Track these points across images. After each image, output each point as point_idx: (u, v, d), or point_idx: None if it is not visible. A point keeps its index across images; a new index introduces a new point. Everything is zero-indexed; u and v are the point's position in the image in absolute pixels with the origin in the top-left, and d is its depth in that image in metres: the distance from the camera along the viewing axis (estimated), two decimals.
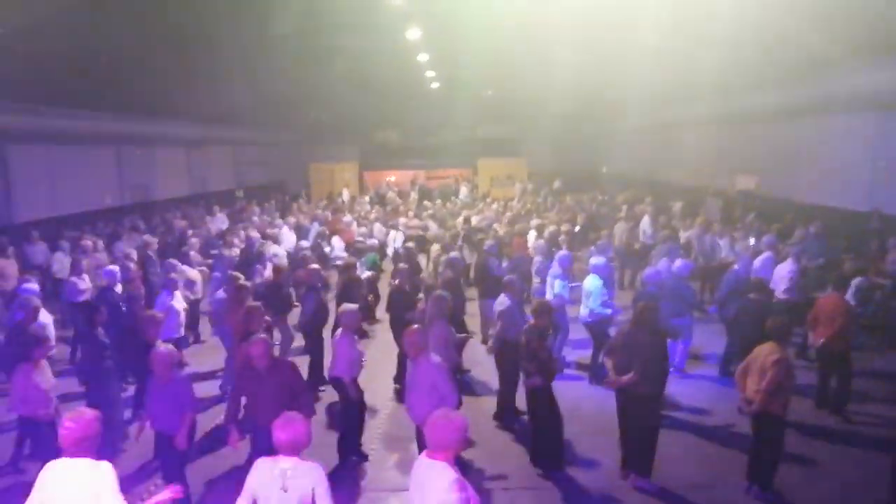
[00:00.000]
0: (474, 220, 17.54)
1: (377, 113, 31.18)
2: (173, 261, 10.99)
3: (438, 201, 23.54)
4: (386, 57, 20.16)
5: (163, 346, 6.24)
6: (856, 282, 10.06)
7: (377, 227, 17.58)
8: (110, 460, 4.27)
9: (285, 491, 4.02)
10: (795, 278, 10.35)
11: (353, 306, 7.45)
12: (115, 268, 10.43)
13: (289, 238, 15.65)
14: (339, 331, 7.22)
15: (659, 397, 6.62)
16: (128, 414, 8.17)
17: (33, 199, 16.45)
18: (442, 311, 7.54)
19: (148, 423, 6.00)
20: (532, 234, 14.62)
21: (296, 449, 4.12)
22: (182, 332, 9.42)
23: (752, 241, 13.44)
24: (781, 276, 10.39)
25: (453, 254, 11.61)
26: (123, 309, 9.24)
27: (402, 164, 33.75)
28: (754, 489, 6.42)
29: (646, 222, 16.05)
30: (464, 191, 27.88)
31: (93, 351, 7.40)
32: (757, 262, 11.18)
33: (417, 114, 32.28)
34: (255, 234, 14.97)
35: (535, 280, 11.00)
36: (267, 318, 8.04)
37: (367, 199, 26.04)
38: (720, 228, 14.65)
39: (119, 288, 10.04)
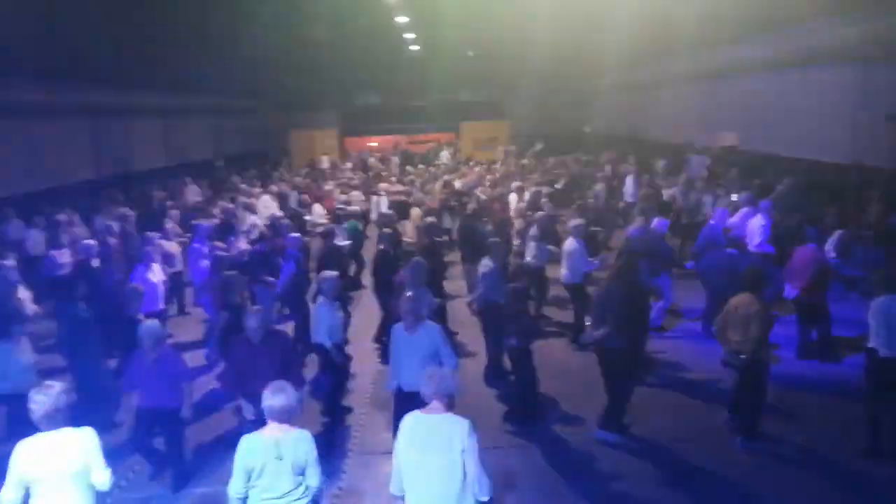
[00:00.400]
0: (457, 184, 17.43)
1: (357, 78, 30.79)
2: (150, 234, 10.86)
3: (421, 166, 23.37)
4: (364, 20, 19.85)
5: (148, 321, 6.17)
6: (837, 234, 10.14)
7: (355, 194, 17.41)
8: (103, 434, 4.29)
9: (280, 459, 4.03)
10: (767, 232, 10.45)
11: (333, 273, 7.43)
12: (92, 242, 10.28)
13: (271, 207, 15.51)
14: (320, 298, 7.19)
15: (634, 353, 6.66)
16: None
17: (7, 175, 16.13)
18: (419, 279, 7.50)
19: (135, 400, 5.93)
20: (513, 197, 14.57)
21: (287, 417, 4.12)
22: (162, 304, 9.33)
23: (734, 197, 13.49)
24: (753, 230, 10.50)
25: (429, 219, 11.53)
26: (101, 282, 9.15)
27: (383, 129, 33.38)
28: (739, 439, 6.52)
29: (629, 181, 16.06)
30: (446, 154, 27.68)
31: (73, 325, 7.33)
32: (734, 218, 11.28)
33: (398, 78, 31.87)
34: (231, 204, 14.86)
35: (516, 242, 11.00)
36: (246, 287, 8.01)
37: (348, 165, 25.81)
38: (703, 185, 14.68)
39: (95, 262, 9.91)
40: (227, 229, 11.94)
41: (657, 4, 14.20)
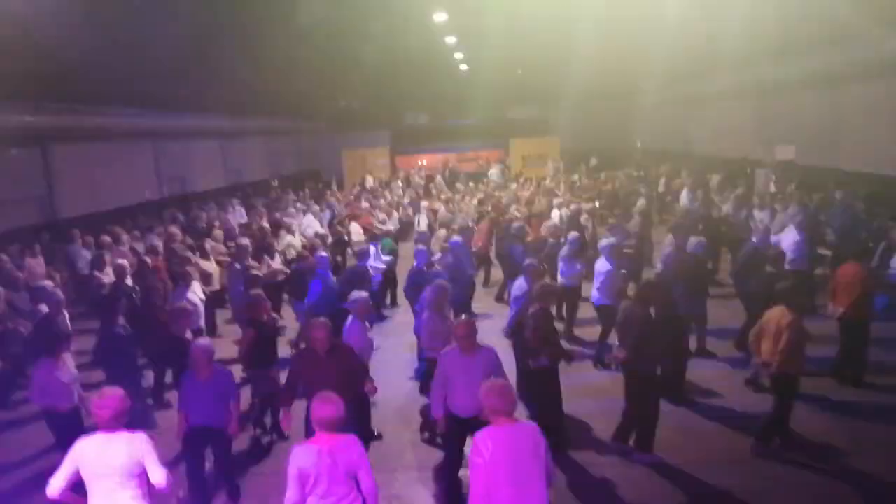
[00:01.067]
0: (505, 200, 17.39)
1: (407, 97, 31.10)
2: (188, 253, 11.11)
3: (470, 184, 23.44)
4: (413, 41, 20.07)
5: (200, 339, 6.26)
6: None
7: (392, 213, 17.50)
8: None
9: (336, 465, 4.14)
10: (801, 249, 10.14)
11: (363, 293, 7.44)
12: (124, 261, 10.48)
13: (314, 225, 15.71)
14: (350, 318, 7.18)
15: (653, 376, 6.55)
16: (149, 402, 8.43)
17: (75, 196, 16.85)
18: (437, 301, 7.37)
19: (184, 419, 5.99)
20: (556, 214, 14.38)
21: (335, 426, 4.23)
22: (200, 323, 9.48)
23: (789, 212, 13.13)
24: (786, 247, 10.17)
25: (454, 238, 11.36)
26: (137, 301, 9.41)
27: (433, 147, 33.67)
28: (754, 443, 6.56)
29: (684, 196, 15.80)
30: (495, 171, 27.67)
31: (110, 344, 7.55)
32: (782, 235, 10.99)
33: (447, 96, 32.10)
34: (266, 223, 15.14)
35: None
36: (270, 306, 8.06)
37: (399, 183, 26.09)
38: (760, 201, 14.31)
39: (129, 280, 10.14)
40: (263, 249, 12.06)
41: (713, 18, 13.96)
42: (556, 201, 15.69)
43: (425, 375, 8.16)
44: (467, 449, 5.65)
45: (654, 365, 6.53)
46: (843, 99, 15.65)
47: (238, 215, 18.88)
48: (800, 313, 6.49)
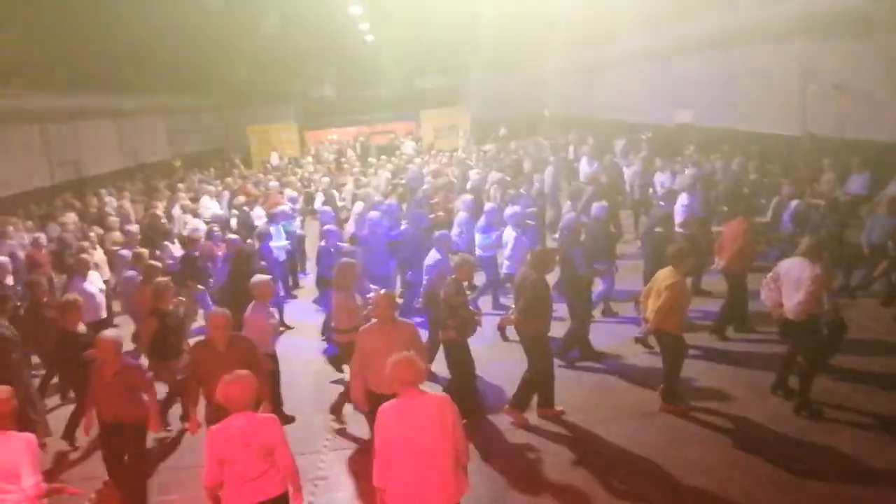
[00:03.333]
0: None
1: (312, 69, 30.42)
2: (84, 243, 10.51)
3: (383, 157, 23.21)
4: (318, 11, 19.60)
5: (107, 332, 5.80)
6: (793, 204, 10.33)
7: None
8: None
9: (248, 446, 4.14)
10: (687, 210, 10.39)
11: (265, 277, 7.22)
12: (4, 258, 9.81)
13: (211, 208, 15.05)
14: (253, 303, 6.95)
15: (542, 337, 6.77)
16: (56, 401, 8.09)
17: None
18: (343, 279, 7.20)
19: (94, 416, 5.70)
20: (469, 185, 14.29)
21: (245, 404, 4.23)
22: (102, 314, 8.99)
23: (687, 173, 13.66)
24: (677, 209, 10.38)
25: (372, 213, 10.83)
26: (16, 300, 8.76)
27: (343, 121, 33.09)
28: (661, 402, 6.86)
29: (584, 162, 16.13)
30: (409, 145, 27.51)
31: None
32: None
33: (354, 68, 31.62)
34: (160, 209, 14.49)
35: (454, 231, 10.60)
36: (177, 294, 7.75)
37: (309, 159, 25.55)
38: (662, 163, 14.80)
39: (9, 278, 9.53)
40: (158, 235, 11.52)
41: None
42: (471, 172, 15.68)
43: (336, 358, 8.08)
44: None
45: (542, 326, 6.71)
46: (737, 62, 16.31)
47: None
48: (683, 275, 6.75)
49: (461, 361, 7.01)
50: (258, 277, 7.17)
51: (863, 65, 12.38)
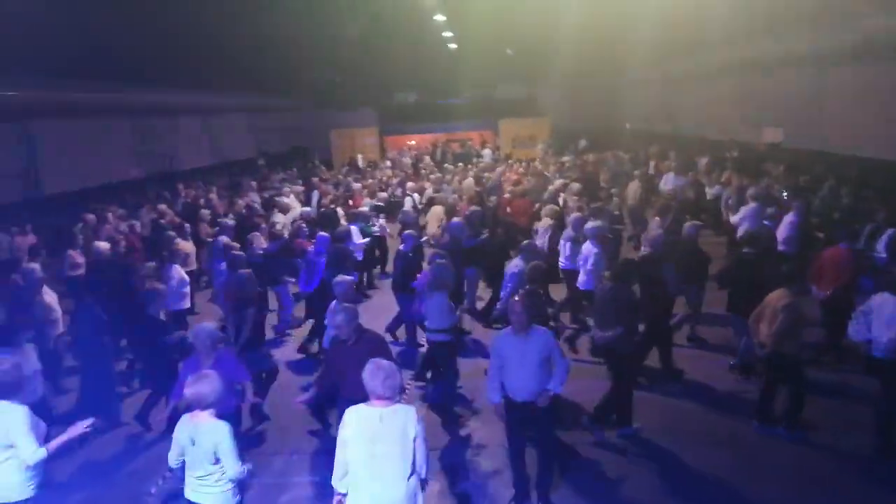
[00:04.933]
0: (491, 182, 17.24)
1: (396, 76, 30.89)
2: (170, 233, 10.94)
3: (460, 164, 23.32)
4: (403, 18, 19.91)
5: (204, 324, 6.03)
6: (888, 233, 9.81)
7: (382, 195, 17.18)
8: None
9: (193, 444, 4.35)
10: (795, 230, 10.20)
11: (346, 277, 7.37)
12: (105, 245, 10.27)
13: (295, 206, 15.41)
14: (334, 302, 7.04)
15: (629, 355, 6.71)
16: (135, 385, 8.39)
17: (59, 173, 16.62)
18: (440, 281, 7.29)
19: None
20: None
21: (201, 405, 4.37)
22: (187, 303, 9.39)
23: (784, 194, 13.20)
24: (783, 228, 10.25)
25: (455, 219, 11.02)
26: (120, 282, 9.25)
27: (422, 127, 33.44)
28: (781, 430, 6.57)
29: (669, 178, 15.77)
30: (487, 153, 27.55)
31: (84, 326, 7.41)
32: (741, 213, 11.22)
33: (436, 76, 31.93)
34: (254, 201, 14.86)
35: (539, 242, 10.59)
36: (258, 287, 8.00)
37: (388, 164, 25.92)
38: (746, 182, 14.31)
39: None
40: (248, 228, 11.85)
41: None
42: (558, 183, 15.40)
43: (425, 362, 8.13)
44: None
45: (629, 344, 6.60)
46: (830, 81, 15.63)
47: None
48: (796, 295, 6.54)
49: None
50: (339, 277, 7.34)
51: None
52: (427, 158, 26.77)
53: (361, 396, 4.34)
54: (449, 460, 6.57)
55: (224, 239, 10.48)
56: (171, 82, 19.62)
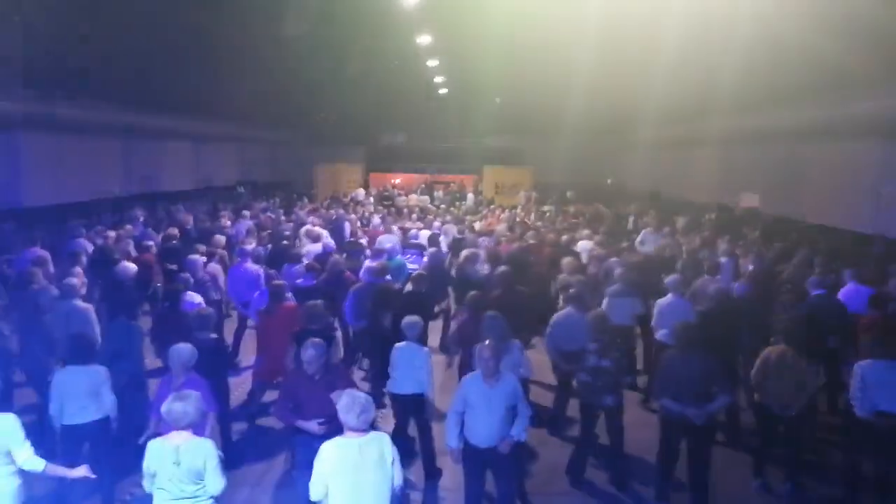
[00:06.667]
0: (477, 227, 17.44)
1: (385, 116, 31.28)
2: (194, 257, 10.65)
3: (442, 206, 23.55)
4: (395, 61, 20.26)
5: (185, 345, 5.95)
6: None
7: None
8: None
9: (178, 465, 4.32)
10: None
11: (417, 319, 7.14)
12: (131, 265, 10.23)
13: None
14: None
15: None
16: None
17: (41, 186, 16.52)
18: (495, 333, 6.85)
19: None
20: (584, 245, 14.01)
21: (188, 423, 4.41)
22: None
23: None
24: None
25: (502, 267, 10.14)
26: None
27: (407, 167, 33.78)
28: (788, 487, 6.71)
29: (647, 236, 15.98)
30: (470, 197, 27.90)
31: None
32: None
33: (425, 119, 32.39)
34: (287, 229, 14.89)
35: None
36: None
37: (371, 199, 26.10)
38: (725, 247, 14.56)
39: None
40: (283, 256, 11.68)
41: (690, 68, 14.37)
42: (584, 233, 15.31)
43: None
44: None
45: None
46: (809, 153, 16.17)
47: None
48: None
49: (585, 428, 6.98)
50: (410, 319, 7.09)
51: None
52: (413, 196, 26.99)
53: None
54: None
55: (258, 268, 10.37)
56: (162, 106, 19.69)
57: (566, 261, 11.20)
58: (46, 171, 16.79)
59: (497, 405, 5.49)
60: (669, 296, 8.83)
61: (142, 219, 15.41)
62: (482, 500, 5.78)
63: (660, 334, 8.57)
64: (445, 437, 5.70)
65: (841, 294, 9.42)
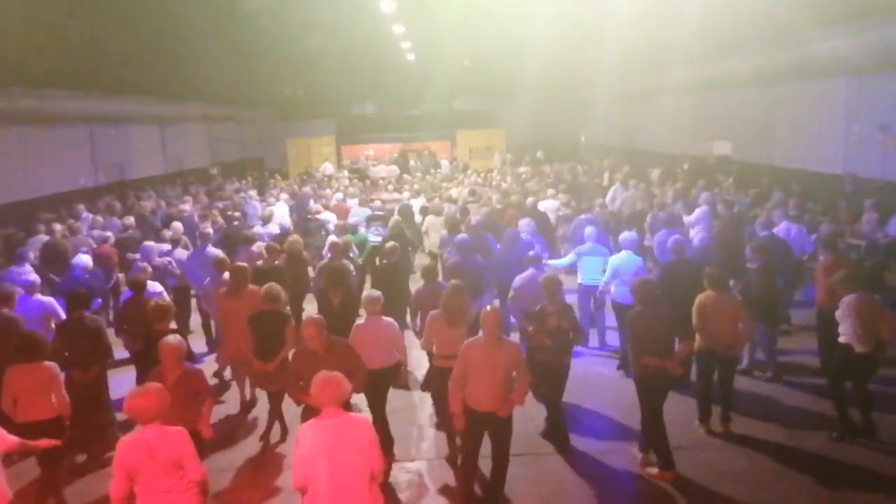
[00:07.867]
0: (454, 193, 17.37)
1: (353, 86, 30.88)
2: (148, 244, 10.61)
3: (418, 174, 23.44)
4: (360, 29, 19.94)
5: (171, 337, 5.76)
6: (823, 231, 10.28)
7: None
8: None
9: (153, 459, 4.20)
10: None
11: (375, 292, 6.98)
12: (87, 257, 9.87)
13: (282, 214, 15.19)
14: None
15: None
16: None
17: (7, 182, 16.13)
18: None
19: None
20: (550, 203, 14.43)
21: (153, 416, 4.28)
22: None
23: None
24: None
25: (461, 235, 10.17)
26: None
27: (379, 137, 33.50)
28: None
29: (617, 191, 16.07)
30: (445, 164, 27.81)
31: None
32: (694, 216, 11.59)
33: (394, 87, 32.05)
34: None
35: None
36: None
37: (345, 172, 25.89)
38: (706, 195, 14.65)
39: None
40: (237, 238, 11.50)
41: (650, 17, 14.31)
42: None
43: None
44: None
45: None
46: (778, 98, 16.24)
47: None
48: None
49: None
50: (370, 294, 7.02)
51: None
52: (383, 167, 26.84)
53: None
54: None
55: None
56: (125, 90, 19.26)
57: (522, 222, 11.09)
58: (11, 168, 16.39)
59: (498, 370, 5.55)
60: (623, 252, 8.85)
61: (84, 213, 14.98)
62: (477, 462, 5.88)
63: (614, 293, 8.68)
64: (449, 401, 5.76)
65: (777, 231, 9.74)
